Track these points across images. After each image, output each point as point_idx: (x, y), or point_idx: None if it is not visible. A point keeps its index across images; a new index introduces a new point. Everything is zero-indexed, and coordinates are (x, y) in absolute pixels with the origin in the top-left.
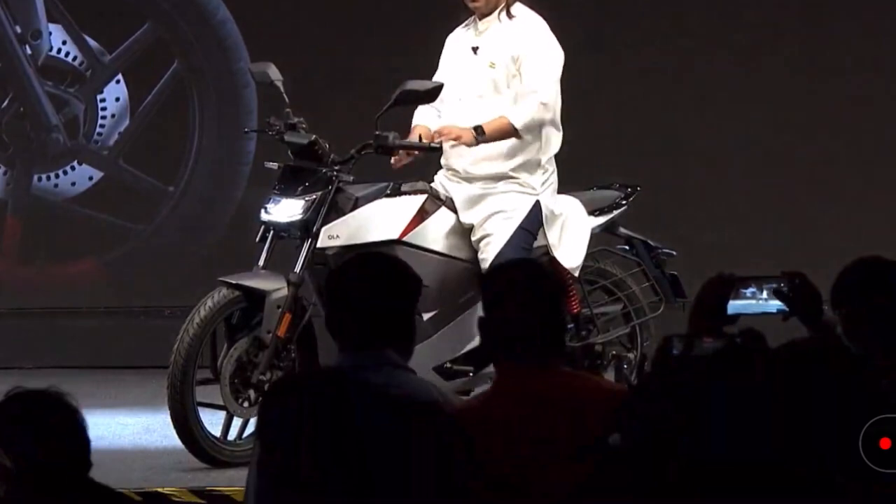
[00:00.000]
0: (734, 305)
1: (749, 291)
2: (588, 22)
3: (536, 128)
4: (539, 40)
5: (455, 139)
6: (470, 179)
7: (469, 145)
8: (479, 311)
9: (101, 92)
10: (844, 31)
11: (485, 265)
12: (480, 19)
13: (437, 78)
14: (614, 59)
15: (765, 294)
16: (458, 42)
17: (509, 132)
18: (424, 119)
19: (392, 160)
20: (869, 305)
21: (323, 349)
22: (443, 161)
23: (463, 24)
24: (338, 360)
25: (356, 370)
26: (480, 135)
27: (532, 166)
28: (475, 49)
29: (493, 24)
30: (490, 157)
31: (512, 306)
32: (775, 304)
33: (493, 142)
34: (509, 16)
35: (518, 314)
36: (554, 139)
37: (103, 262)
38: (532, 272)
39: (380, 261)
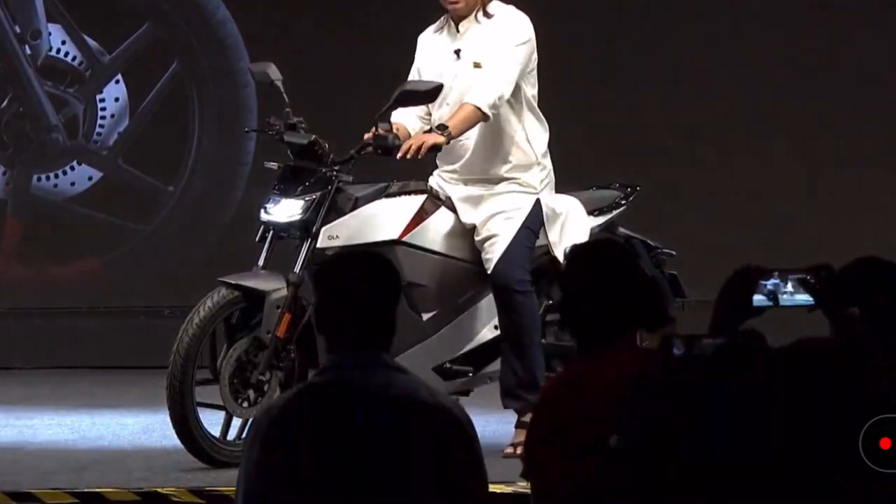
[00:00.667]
0: (759, 298)
1: (774, 284)
2: (589, 22)
3: (500, 105)
4: (509, 29)
5: (419, 149)
6: (468, 182)
7: (439, 145)
8: (478, 311)
9: (101, 92)
10: (846, 33)
11: (489, 265)
12: (458, 22)
13: (411, 79)
14: (614, 60)
15: (790, 286)
16: (435, 46)
17: (476, 117)
18: (402, 118)
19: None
20: (869, 305)
21: (323, 349)
22: (439, 163)
23: (436, 27)
24: (332, 360)
25: (354, 370)
26: (446, 132)
27: (527, 165)
28: (457, 52)
29: (473, 26)
30: (482, 161)
31: (593, 285)
32: (801, 297)
33: (464, 132)
34: (487, 15)
35: (598, 292)
36: (540, 133)
37: (103, 262)
38: (611, 250)
39: (372, 259)
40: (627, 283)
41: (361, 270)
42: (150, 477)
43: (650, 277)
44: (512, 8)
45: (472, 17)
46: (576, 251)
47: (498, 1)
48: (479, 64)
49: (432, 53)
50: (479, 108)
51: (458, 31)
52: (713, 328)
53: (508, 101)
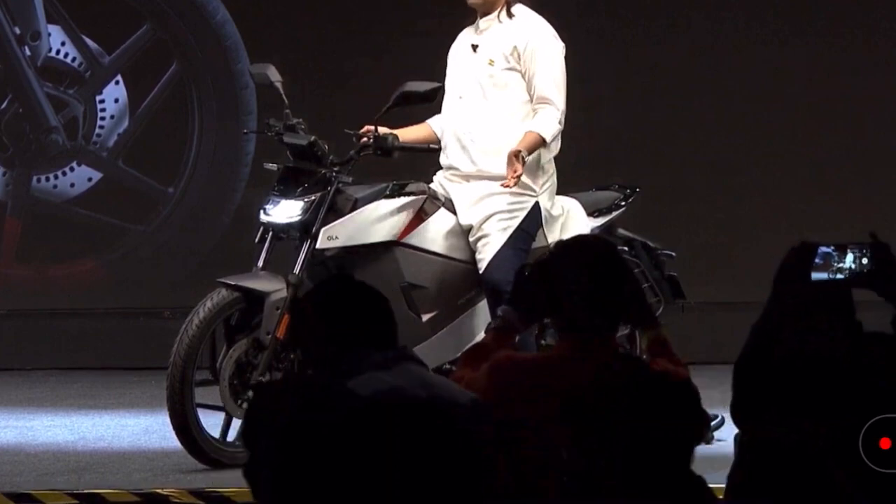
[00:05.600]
0: (817, 272)
1: (831, 257)
2: (588, 23)
3: (557, 139)
4: (545, 41)
5: (516, 172)
6: (470, 179)
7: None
8: (478, 312)
9: (101, 93)
10: (846, 34)
11: (482, 265)
12: (481, 18)
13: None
14: (613, 61)
15: (849, 260)
16: (460, 41)
17: (539, 144)
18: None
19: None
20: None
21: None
22: (443, 161)
23: (467, 28)
24: (351, 359)
25: (372, 369)
26: (524, 157)
27: (533, 167)
28: (474, 46)
29: (494, 24)
30: (496, 154)
31: (582, 279)
32: (859, 272)
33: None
34: (510, 15)
35: (587, 287)
36: (557, 141)
37: (103, 263)
38: (601, 248)
39: (353, 286)
40: (614, 278)
41: (347, 296)
42: (150, 478)
43: (634, 277)
44: (537, 16)
45: (494, 15)
46: (566, 244)
47: (522, 4)
48: (494, 61)
49: (455, 48)
50: (543, 138)
51: (479, 27)
52: (771, 303)
53: (522, 99)
